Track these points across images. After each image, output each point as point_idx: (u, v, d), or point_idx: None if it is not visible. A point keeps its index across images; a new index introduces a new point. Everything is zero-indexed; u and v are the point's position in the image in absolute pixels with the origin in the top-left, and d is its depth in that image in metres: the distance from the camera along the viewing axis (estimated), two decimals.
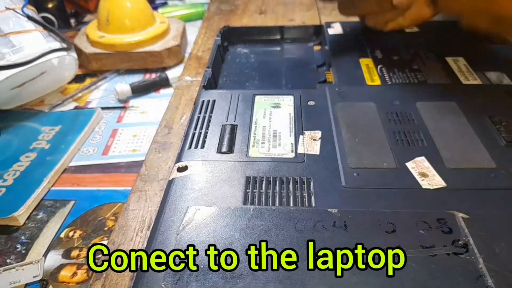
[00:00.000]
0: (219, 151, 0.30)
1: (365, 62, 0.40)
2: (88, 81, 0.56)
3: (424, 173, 0.27)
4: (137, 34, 0.56)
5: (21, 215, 0.34)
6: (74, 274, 0.30)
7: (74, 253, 0.32)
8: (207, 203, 0.26)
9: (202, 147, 0.30)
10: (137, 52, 0.55)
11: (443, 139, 0.30)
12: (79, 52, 0.57)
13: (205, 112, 0.34)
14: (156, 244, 0.23)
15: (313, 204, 0.25)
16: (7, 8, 0.47)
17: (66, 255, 0.32)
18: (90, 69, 0.57)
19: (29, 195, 0.36)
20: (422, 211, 0.24)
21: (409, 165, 0.28)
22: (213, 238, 0.23)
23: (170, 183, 0.28)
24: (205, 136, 0.31)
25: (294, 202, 0.25)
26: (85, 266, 0.31)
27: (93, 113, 0.47)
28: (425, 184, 0.26)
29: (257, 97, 0.36)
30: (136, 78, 0.55)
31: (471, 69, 0.39)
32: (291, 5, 0.65)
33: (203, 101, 0.36)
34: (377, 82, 0.37)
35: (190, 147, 0.31)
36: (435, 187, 0.26)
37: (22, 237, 0.34)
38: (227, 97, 0.36)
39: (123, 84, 0.51)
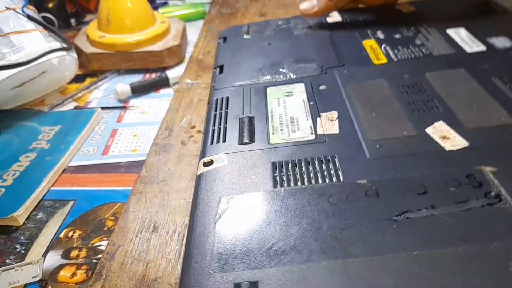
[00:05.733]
0: (241, 142, 0.30)
1: (369, 44, 0.40)
2: (88, 81, 0.56)
3: (445, 136, 0.27)
4: (137, 34, 0.56)
5: (20, 215, 0.35)
6: (74, 274, 0.30)
7: (74, 253, 0.32)
8: (238, 192, 0.26)
9: (224, 141, 0.31)
10: (137, 52, 0.56)
11: (458, 103, 0.30)
12: (79, 52, 0.57)
13: (221, 109, 0.34)
14: (197, 234, 0.23)
15: (342, 179, 0.25)
16: (7, 8, 0.47)
17: (66, 255, 0.32)
18: (90, 69, 0.57)
19: (29, 195, 0.36)
20: (450, 171, 0.25)
21: (429, 130, 0.28)
22: (250, 221, 0.23)
23: (199, 178, 0.28)
24: (225, 131, 0.32)
25: (323, 179, 0.26)
26: (85, 266, 0.31)
27: (93, 113, 0.47)
28: (447, 146, 0.27)
29: (268, 89, 0.36)
30: (136, 78, 0.55)
31: (473, 37, 0.39)
32: (291, 7, 0.65)
33: (216, 99, 0.36)
34: (384, 60, 0.38)
35: (212, 143, 0.31)
36: (458, 147, 0.26)
37: (22, 237, 0.34)
38: (239, 92, 0.36)
39: (123, 84, 0.51)
